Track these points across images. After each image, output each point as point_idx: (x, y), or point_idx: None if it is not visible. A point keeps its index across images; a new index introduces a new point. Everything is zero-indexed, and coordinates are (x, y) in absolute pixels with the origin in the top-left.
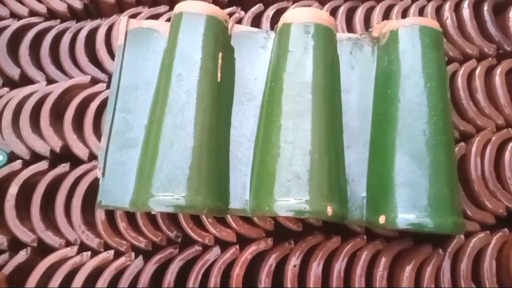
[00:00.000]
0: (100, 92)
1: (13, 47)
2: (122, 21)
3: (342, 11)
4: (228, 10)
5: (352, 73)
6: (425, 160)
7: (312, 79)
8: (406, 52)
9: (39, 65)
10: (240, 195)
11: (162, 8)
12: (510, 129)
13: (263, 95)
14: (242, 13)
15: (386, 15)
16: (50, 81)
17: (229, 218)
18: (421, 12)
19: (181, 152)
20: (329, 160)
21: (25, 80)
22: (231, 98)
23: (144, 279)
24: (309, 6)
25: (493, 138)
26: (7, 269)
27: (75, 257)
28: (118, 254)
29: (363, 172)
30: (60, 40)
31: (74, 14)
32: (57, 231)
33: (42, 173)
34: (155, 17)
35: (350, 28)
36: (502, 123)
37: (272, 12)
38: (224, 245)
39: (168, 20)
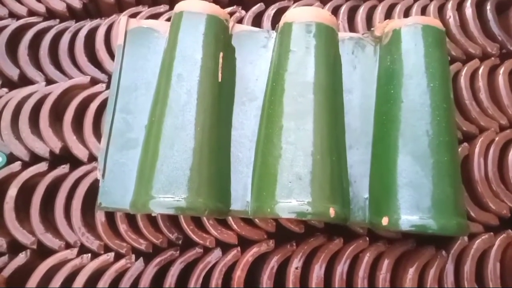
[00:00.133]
0: (99, 93)
1: (12, 47)
2: (121, 21)
3: (343, 10)
4: (229, 9)
5: (354, 73)
6: (428, 161)
7: (314, 79)
8: (408, 51)
9: (38, 65)
10: (241, 196)
11: (162, 8)
12: None
13: (265, 95)
14: (243, 12)
15: (388, 14)
16: (49, 81)
17: (230, 220)
18: (423, 11)
19: (181, 153)
20: (331, 161)
21: (24, 80)
22: (232, 98)
23: (145, 281)
24: (311, 5)
25: (497, 139)
26: (7, 272)
27: (75, 259)
28: (118, 256)
29: (365, 173)
30: (59, 40)
31: (73, 14)
32: (56, 233)
33: (42, 175)
34: (155, 16)
35: (352, 27)
36: (506, 124)
37: (273, 11)
38: (225, 247)
39: (168, 19)
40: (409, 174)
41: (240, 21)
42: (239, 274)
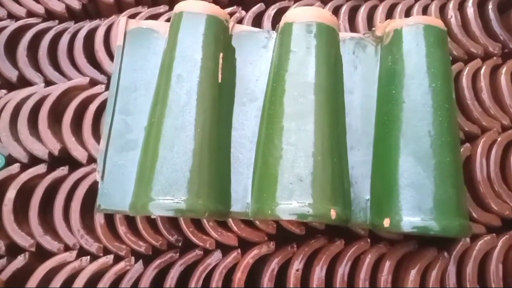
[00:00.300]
0: (99, 94)
1: (10, 49)
2: (121, 22)
3: (344, 10)
4: (229, 9)
5: (355, 73)
6: (430, 162)
7: (315, 79)
8: (410, 51)
9: (37, 67)
10: (241, 198)
11: (162, 8)
12: None
13: (265, 96)
14: (243, 12)
15: (389, 14)
16: (48, 82)
17: (230, 222)
18: (424, 11)
19: (181, 155)
20: (332, 162)
21: (23, 81)
22: (232, 99)
23: (144, 284)
24: (311, 5)
25: (499, 139)
26: (5, 275)
27: (74, 262)
28: (117, 259)
29: (366, 174)
30: (58, 41)
31: (72, 15)
32: (55, 235)
33: (41, 177)
34: (155, 17)
35: (353, 27)
36: (508, 124)
37: (274, 11)
38: (225, 249)
39: (168, 20)
40: (411, 175)
41: (240, 21)
42: (239, 276)
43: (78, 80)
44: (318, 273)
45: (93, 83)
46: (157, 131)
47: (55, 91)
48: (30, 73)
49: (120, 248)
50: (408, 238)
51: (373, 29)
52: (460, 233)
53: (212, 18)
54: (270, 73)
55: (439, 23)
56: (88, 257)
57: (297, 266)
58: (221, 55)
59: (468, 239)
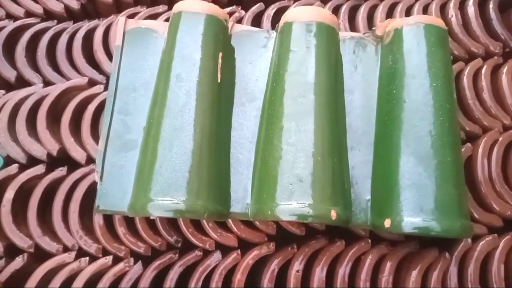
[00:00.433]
0: (97, 94)
1: (9, 49)
2: (120, 21)
3: (344, 9)
4: (228, 9)
5: (356, 72)
6: (432, 162)
7: (315, 79)
8: (411, 51)
9: (35, 67)
10: (241, 198)
11: (161, 8)
12: None
13: (265, 96)
14: (243, 12)
15: (389, 14)
16: (47, 83)
17: (230, 222)
18: (425, 10)
19: (180, 155)
20: (333, 162)
21: (22, 82)
22: (231, 99)
23: (144, 285)
24: (311, 4)
25: (500, 139)
26: (3, 276)
27: (73, 263)
28: (116, 260)
29: (367, 174)
30: (57, 41)
31: (71, 15)
32: (54, 236)
33: (39, 177)
34: (154, 17)
35: (353, 27)
36: (509, 123)
37: (273, 11)
38: (225, 250)
39: (167, 20)
40: (412, 175)
41: (239, 21)
42: (239, 278)
43: (77, 80)
44: (319, 274)
45: (92, 83)
46: (156, 131)
47: (53, 92)
48: (28, 73)
49: (119, 249)
50: (409, 238)
51: (374, 28)
52: (462, 233)
53: (211, 17)
54: (269, 73)
55: (440, 22)
56: (87, 258)
57: (297, 267)
58: (220, 54)
59: (469, 240)
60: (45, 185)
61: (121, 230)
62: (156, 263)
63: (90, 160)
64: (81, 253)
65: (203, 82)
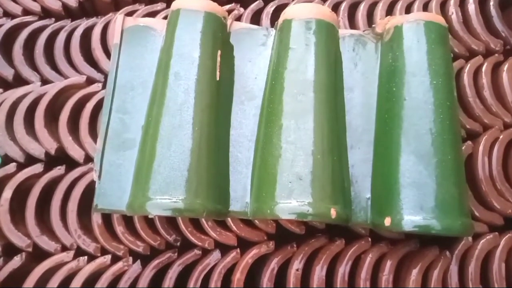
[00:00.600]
0: (96, 92)
1: (6, 47)
2: (118, 19)
3: (344, 6)
4: (227, 7)
5: (355, 70)
6: (432, 160)
7: (314, 77)
8: (411, 48)
9: (33, 65)
10: (240, 197)
11: (159, 6)
12: None
13: (264, 94)
14: (242, 10)
15: (389, 11)
16: (44, 81)
17: (229, 221)
18: (425, 8)
19: (179, 154)
20: (332, 160)
21: (19, 80)
22: (230, 97)
23: (142, 284)
24: (311, 1)
25: (501, 137)
26: (1, 276)
27: (71, 262)
28: (115, 259)
29: (367, 172)
30: (54, 39)
31: (69, 13)
32: (52, 235)
33: (37, 176)
34: (152, 14)
35: (352, 24)
36: (510, 121)
37: (272, 8)
38: (224, 249)
39: (166, 17)
40: (412, 173)
41: (238, 18)
42: (238, 277)
43: (75, 78)
44: (319, 272)
45: (90, 81)
46: (154, 130)
47: (51, 90)
48: (26, 71)
49: (118, 248)
50: (410, 237)
51: (373, 26)
52: (462, 232)
53: (210, 15)
54: (269, 70)
55: (440, 19)
56: (86, 257)
57: (297, 265)
58: (219, 52)
59: (470, 238)
60: (43, 184)
61: (119, 229)
62: (155, 262)
63: (88, 159)
64: (79, 252)
65: (201, 80)
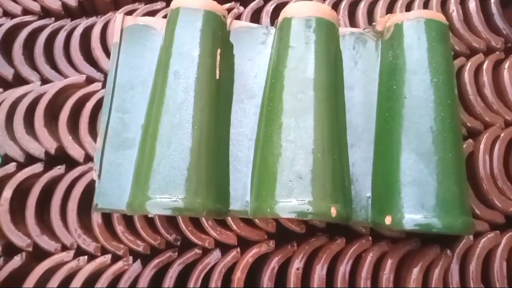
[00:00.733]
0: (95, 92)
1: (6, 47)
2: (117, 18)
3: (344, 5)
4: (227, 5)
5: (356, 69)
6: (433, 158)
7: (314, 75)
8: (411, 46)
9: (33, 65)
10: (240, 196)
11: (159, 5)
12: None
13: (264, 93)
14: (241, 8)
15: (389, 9)
16: (44, 81)
17: (229, 220)
18: (426, 5)
19: (178, 153)
20: (333, 159)
21: (19, 80)
22: (230, 96)
23: (143, 284)
24: None
25: (502, 135)
26: (1, 275)
27: (71, 261)
28: (115, 258)
29: (368, 171)
30: (54, 39)
31: (68, 12)
32: (52, 235)
33: (37, 176)
34: (152, 13)
35: (352, 22)
36: (511, 119)
37: (272, 7)
38: (224, 248)
39: (165, 16)
40: (413, 171)
41: (238, 17)
42: (239, 276)
43: (75, 78)
44: (319, 272)
45: (90, 81)
46: (154, 129)
47: (51, 89)
48: (26, 71)
49: (118, 247)
50: (410, 236)
51: (374, 24)
52: (464, 230)
53: (209, 13)
54: (269, 69)
55: (440, 17)
56: (86, 257)
57: (297, 265)
58: (219, 51)
59: (471, 237)
60: (43, 183)
61: (119, 228)
62: (155, 261)
63: (88, 158)
64: (79, 251)
65: (201, 79)
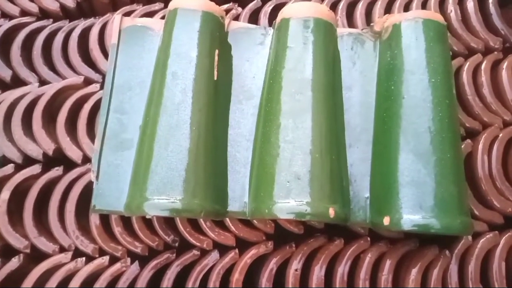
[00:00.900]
0: (93, 93)
1: (4, 48)
2: (115, 20)
3: (342, 5)
4: (225, 6)
5: (354, 69)
6: (431, 159)
7: (312, 75)
8: (409, 46)
9: (31, 66)
10: (238, 197)
11: (157, 6)
12: None
13: (262, 93)
14: (239, 9)
15: (387, 9)
16: (42, 82)
17: (227, 221)
18: (424, 6)
19: (176, 154)
20: (331, 159)
21: (17, 81)
22: (228, 96)
23: (141, 285)
24: (309, 0)
25: (501, 135)
26: None
27: (69, 263)
28: (113, 260)
29: (366, 171)
30: (52, 40)
31: (66, 13)
32: (50, 236)
33: (35, 177)
34: (150, 14)
35: (351, 23)
36: (510, 119)
37: (270, 7)
38: (223, 249)
39: (163, 17)
40: (411, 172)
41: (236, 18)
42: (237, 277)
43: (73, 79)
44: (317, 272)
45: (88, 82)
46: (152, 130)
47: (49, 91)
48: (24, 72)
49: (116, 249)
50: (409, 236)
51: (372, 24)
52: (462, 231)
53: (207, 14)
54: (267, 70)
55: (438, 17)
56: (84, 258)
57: (296, 265)
58: (216, 52)
59: (470, 237)
60: (41, 185)
61: (117, 230)
62: (153, 263)
63: (86, 159)
64: (77, 253)
65: (199, 80)
